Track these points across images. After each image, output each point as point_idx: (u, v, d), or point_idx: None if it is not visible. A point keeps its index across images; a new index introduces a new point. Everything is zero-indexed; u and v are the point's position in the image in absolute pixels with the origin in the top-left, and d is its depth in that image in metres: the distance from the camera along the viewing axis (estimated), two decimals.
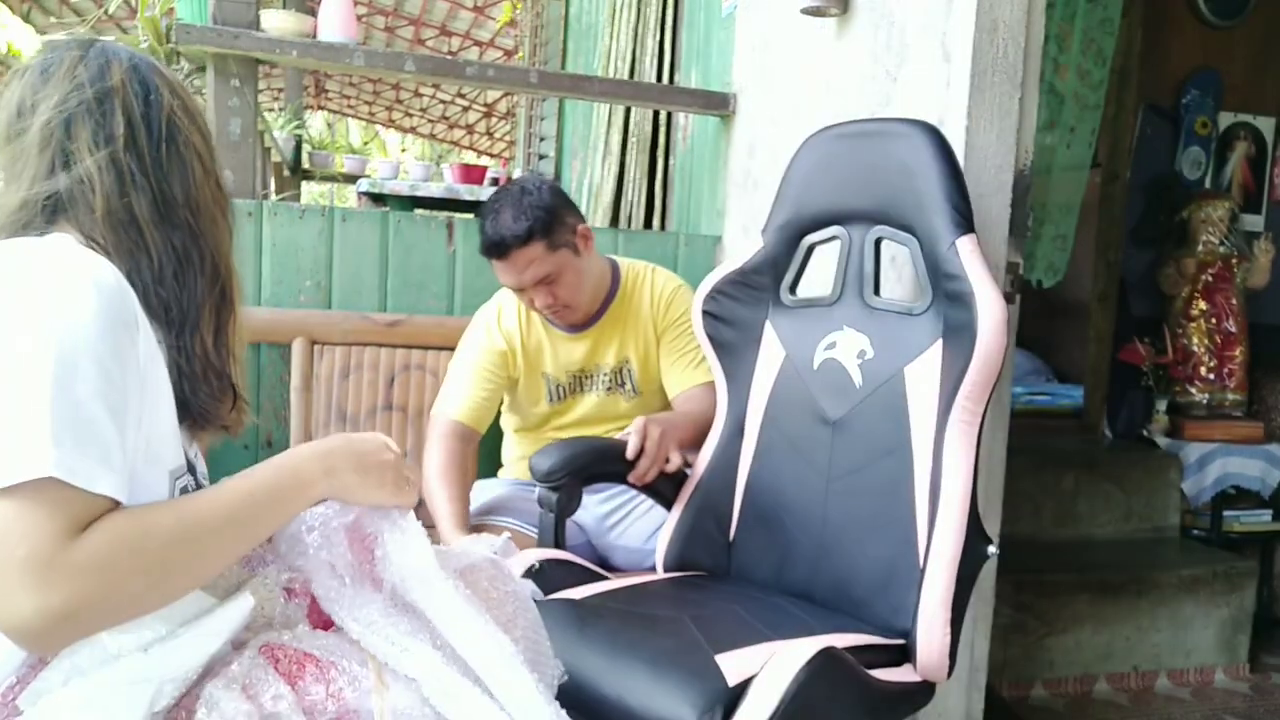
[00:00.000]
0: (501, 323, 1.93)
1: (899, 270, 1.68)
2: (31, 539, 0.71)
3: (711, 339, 1.67)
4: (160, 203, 0.92)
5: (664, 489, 1.68)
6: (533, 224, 1.73)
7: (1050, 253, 3.00)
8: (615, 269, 1.97)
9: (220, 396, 0.97)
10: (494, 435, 2.07)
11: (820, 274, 1.64)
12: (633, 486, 1.65)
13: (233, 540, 0.85)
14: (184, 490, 0.91)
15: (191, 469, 0.96)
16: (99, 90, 0.91)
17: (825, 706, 1.14)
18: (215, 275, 0.96)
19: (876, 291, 1.53)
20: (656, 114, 3.25)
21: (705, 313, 1.67)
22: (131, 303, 0.84)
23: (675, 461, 1.63)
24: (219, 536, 0.83)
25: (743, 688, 1.13)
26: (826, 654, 1.14)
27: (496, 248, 1.75)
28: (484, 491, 2.02)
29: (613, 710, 1.18)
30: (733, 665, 1.18)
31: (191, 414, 0.94)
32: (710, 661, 1.19)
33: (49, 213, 0.89)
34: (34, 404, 0.74)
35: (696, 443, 1.71)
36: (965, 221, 1.39)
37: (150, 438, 0.84)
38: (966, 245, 1.36)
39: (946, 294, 1.38)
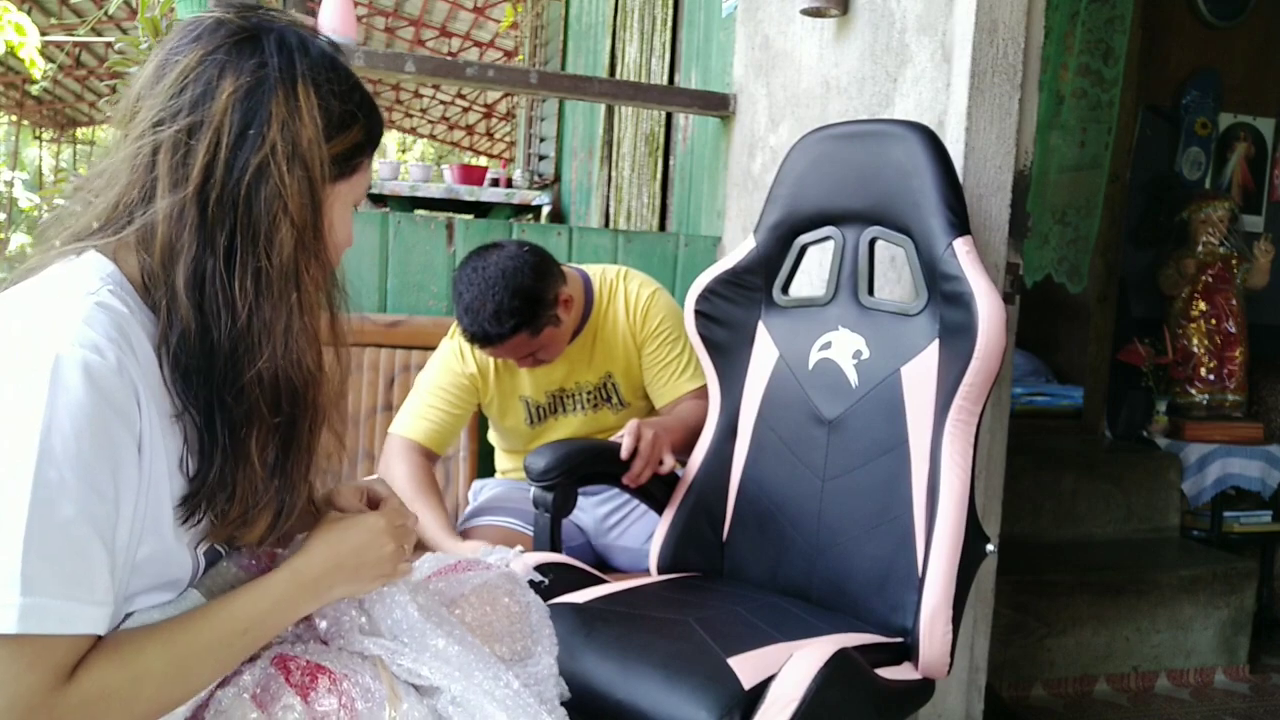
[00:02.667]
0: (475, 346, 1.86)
1: (899, 270, 1.68)
2: (11, 691, 0.66)
3: (704, 339, 1.67)
4: (205, 275, 0.76)
5: (656, 491, 1.68)
6: (518, 321, 1.64)
7: (1071, 255, 2.97)
8: (587, 283, 1.89)
9: (256, 516, 0.83)
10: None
11: (812, 274, 1.64)
12: (625, 489, 1.64)
13: (222, 670, 0.80)
14: (210, 562, 0.84)
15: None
16: (195, 118, 0.76)
17: (840, 707, 1.14)
18: (277, 384, 0.79)
19: (871, 292, 1.53)
20: (658, 114, 3.25)
21: (698, 312, 1.67)
22: (128, 388, 0.72)
23: (668, 463, 1.62)
24: (210, 670, 0.79)
25: (759, 690, 1.13)
26: (842, 655, 1.14)
27: (480, 340, 1.68)
28: (482, 490, 2.02)
29: (626, 717, 1.17)
30: (746, 668, 1.17)
31: (197, 520, 0.80)
32: (723, 664, 1.18)
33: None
34: (7, 532, 0.65)
35: (688, 446, 1.70)
36: (961, 223, 1.39)
37: (155, 524, 0.77)
38: (963, 246, 1.36)
39: (944, 295, 1.38)
